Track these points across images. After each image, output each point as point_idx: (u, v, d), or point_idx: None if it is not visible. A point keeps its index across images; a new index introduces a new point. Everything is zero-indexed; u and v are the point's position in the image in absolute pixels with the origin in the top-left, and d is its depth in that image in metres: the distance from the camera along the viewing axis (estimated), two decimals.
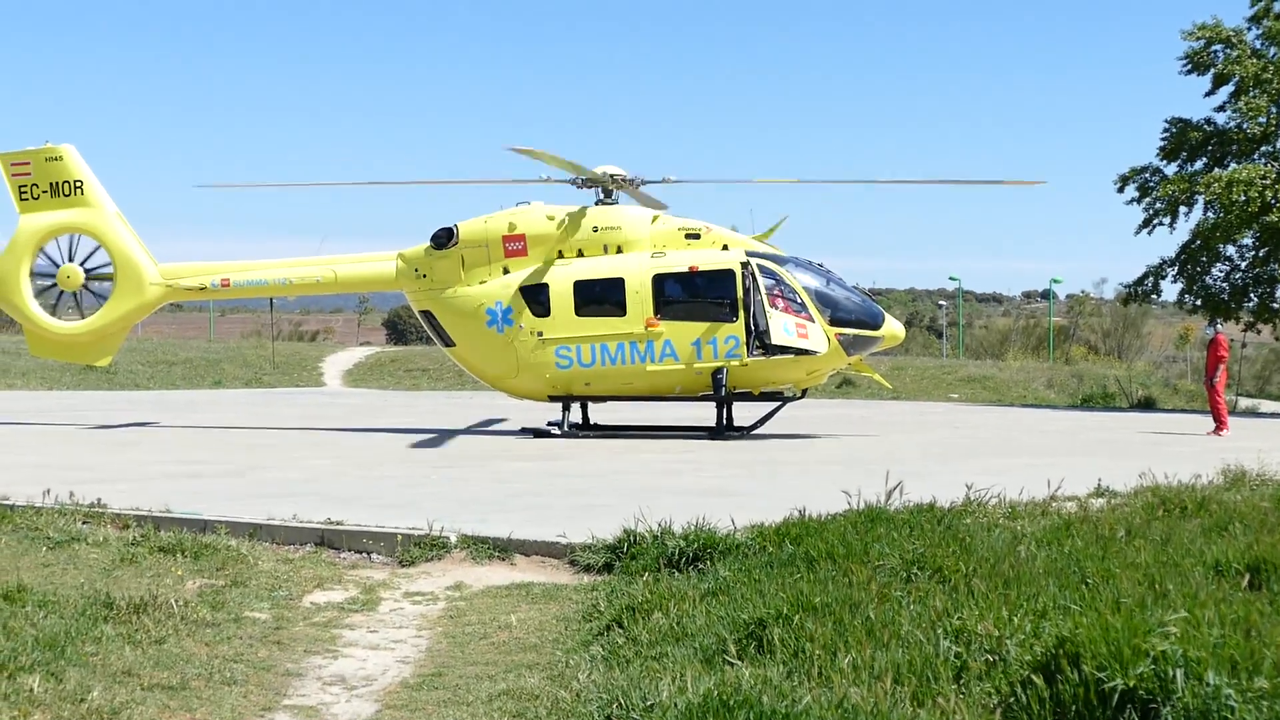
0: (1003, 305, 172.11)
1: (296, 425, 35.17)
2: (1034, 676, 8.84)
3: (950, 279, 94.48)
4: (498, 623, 13.29)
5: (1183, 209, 49.45)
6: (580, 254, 32.08)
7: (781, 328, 30.92)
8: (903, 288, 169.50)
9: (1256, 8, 49.22)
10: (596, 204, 32.87)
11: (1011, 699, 8.85)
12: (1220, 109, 49.92)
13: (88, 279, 34.48)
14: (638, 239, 32.12)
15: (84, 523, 17.03)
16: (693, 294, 31.70)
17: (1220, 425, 34.96)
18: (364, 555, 16.37)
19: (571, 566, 15.75)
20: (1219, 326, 37.04)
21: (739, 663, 9.72)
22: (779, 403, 32.56)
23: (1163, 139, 50.83)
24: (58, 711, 9.53)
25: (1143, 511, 16.48)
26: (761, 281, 31.06)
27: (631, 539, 15.40)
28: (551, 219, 32.38)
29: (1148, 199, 50.04)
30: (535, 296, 31.87)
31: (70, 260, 34.45)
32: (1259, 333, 52.43)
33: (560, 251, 32.18)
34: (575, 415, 32.68)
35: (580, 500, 19.86)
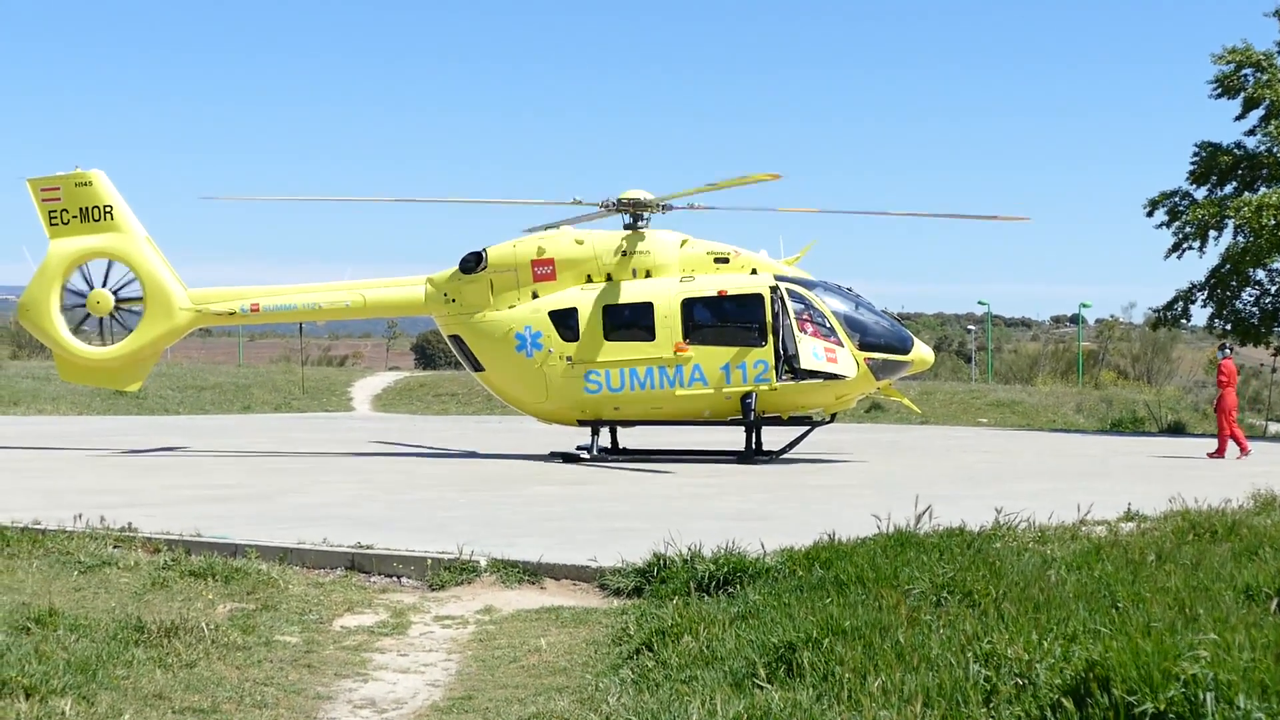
0: (1031, 330, 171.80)
1: (326, 450, 35.22)
2: (1064, 700, 8.83)
3: (979, 303, 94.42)
4: (527, 646, 13.31)
5: (1212, 233, 49.38)
6: (609, 278, 32.12)
7: (810, 352, 30.88)
8: (931, 312, 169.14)
9: None
10: (624, 228, 32.90)
11: None
12: (1250, 133, 49.87)
13: (117, 304, 34.56)
14: (666, 263, 32.14)
15: (115, 547, 17.10)
16: (721, 318, 31.70)
17: (1220, 450, 35.04)
18: (394, 579, 16.40)
19: (601, 590, 15.75)
20: (1227, 352, 37.05)
21: (769, 686, 9.72)
22: (808, 427, 32.53)
23: (1192, 163, 50.76)
24: None
25: (1173, 536, 16.45)
26: (790, 306, 31.04)
27: (661, 563, 15.40)
28: (580, 243, 32.42)
29: (1177, 223, 49.95)
30: (564, 321, 31.89)
31: (100, 285, 34.55)
32: None
33: (589, 275, 32.22)
34: (604, 439, 32.68)
35: (610, 524, 19.86)
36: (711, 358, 31.31)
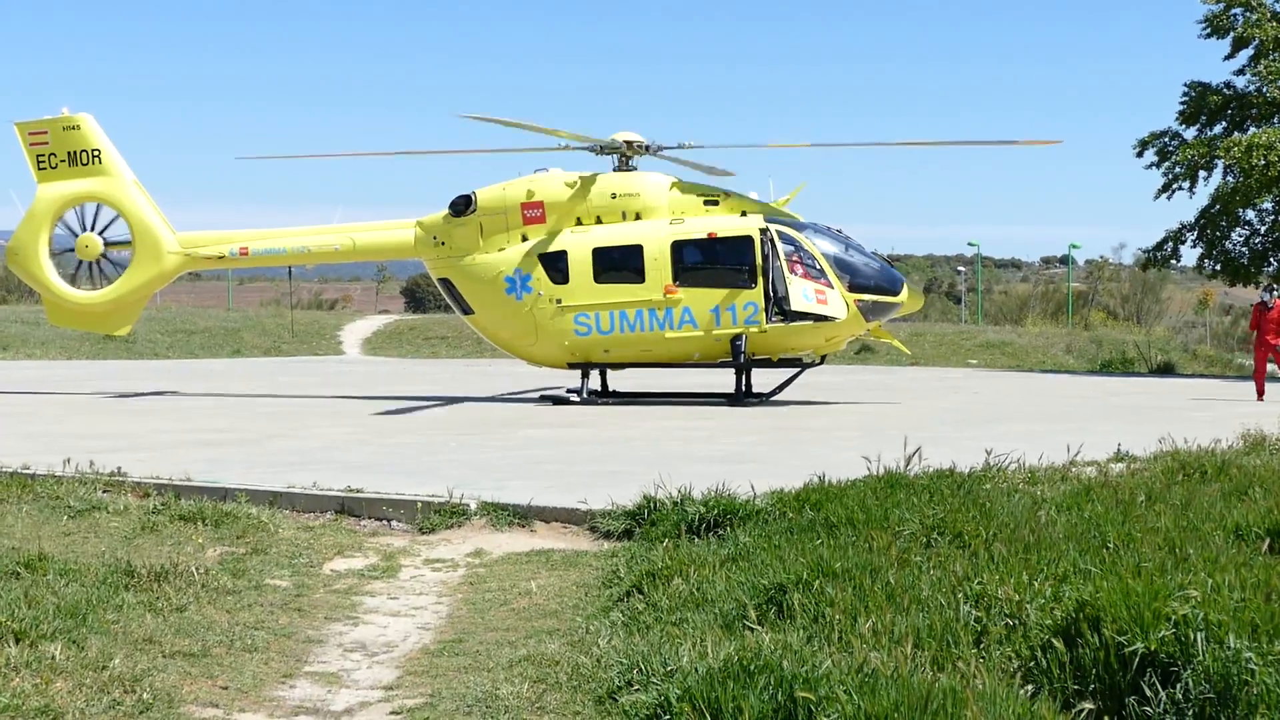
0: (1021, 271, 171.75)
1: (316, 394, 35.21)
2: (1054, 640, 8.84)
3: (969, 244, 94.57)
4: (518, 589, 13.30)
5: (1202, 173, 49.39)
6: (599, 221, 32.03)
7: (800, 294, 30.85)
8: (921, 254, 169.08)
9: None
10: (614, 171, 32.82)
11: (1032, 663, 8.86)
12: (1240, 72, 49.84)
13: (106, 248, 34.48)
14: (656, 206, 32.05)
15: (104, 491, 17.06)
16: (711, 260, 31.65)
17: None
18: (384, 523, 16.38)
19: (592, 533, 15.74)
20: (1276, 293, 36.40)
21: (759, 628, 9.71)
22: (798, 369, 32.53)
23: (1182, 103, 50.74)
24: (79, 679, 9.56)
25: (1163, 476, 16.45)
26: (780, 248, 31.00)
27: (651, 505, 15.37)
28: (570, 186, 32.32)
29: (1167, 163, 49.95)
30: (554, 264, 31.83)
31: (89, 229, 34.46)
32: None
33: (579, 218, 32.13)
34: (594, 382, 32.67)
35: (600, 467, 19.85)
36: (701, 300, 31.27)
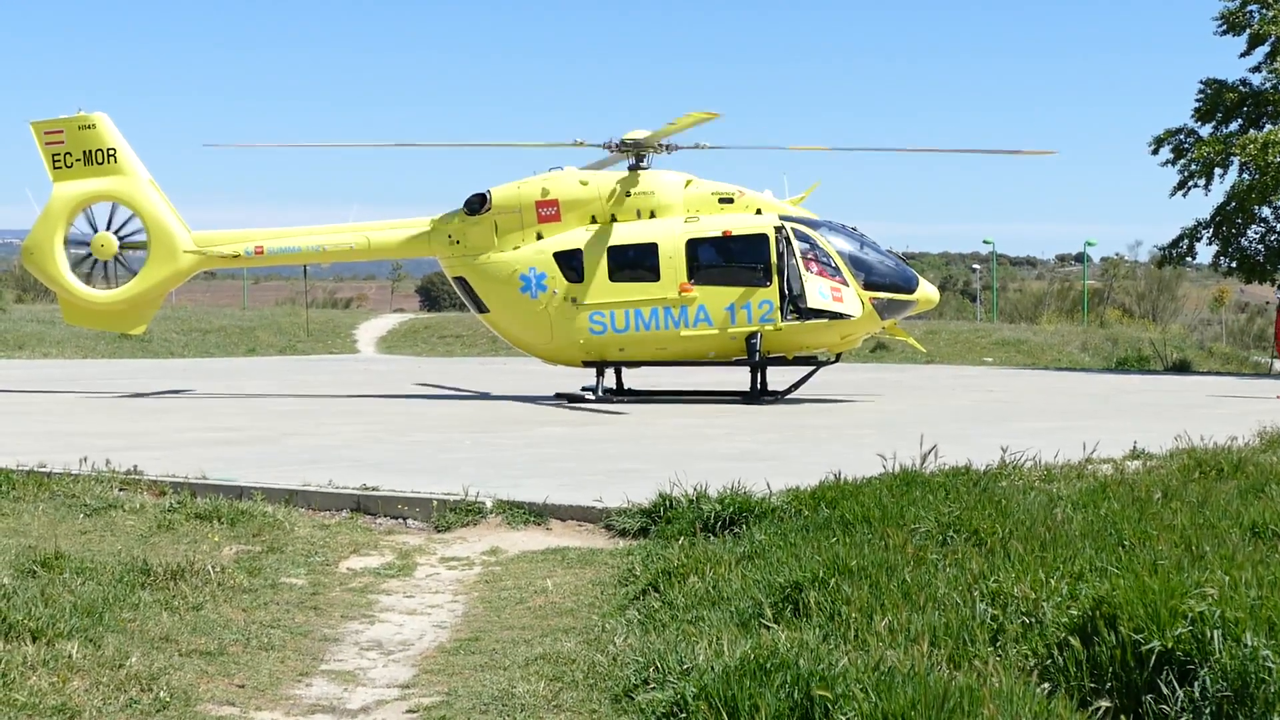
0: (1037, 269, 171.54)
1: (331, 392, 35.22)
2: (1071, 638, 8.84)
3: (984, 242, 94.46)
4: (534, 587, 13.31)
5: (1218, 171, 49.17)
6: (614, 219, 32.02)
7: (816, 292, 30.81)
8: (936, 251, 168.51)
9: None
10: (629, 169, 32.79)
11: (1048, 661, 8.85)
12: (1256, 70, 49.63)
13: (122, 247, 34.48)
14: (671, 203, 32.02)
15: (120, 490, 17.09)
16: (727, 258, 31.61)
17: None
18: (400, 521, 16.41)
19: (607, 531, 15.74)
20: None
21: (775, 626, 9.71)
22: (813, 367, 32.50)
23: (1198, 100, 50.55)
24: (96, 677, 9.58)
25: (1179, 473, 16.44)
26: (796, 245, 30.97)
27: (667, 503, 15.37)
28: (585, 184, 32.29)
29: (1182, 161, 49.76)
30: (569, 262, 31.79)
31: (104, 229, 34.47)
32: None
33: (593, 216, 32.12)
34: (609, 380, 32.62)
35: (615, 465, 19.85)
36: (716, 298, 31.25)
